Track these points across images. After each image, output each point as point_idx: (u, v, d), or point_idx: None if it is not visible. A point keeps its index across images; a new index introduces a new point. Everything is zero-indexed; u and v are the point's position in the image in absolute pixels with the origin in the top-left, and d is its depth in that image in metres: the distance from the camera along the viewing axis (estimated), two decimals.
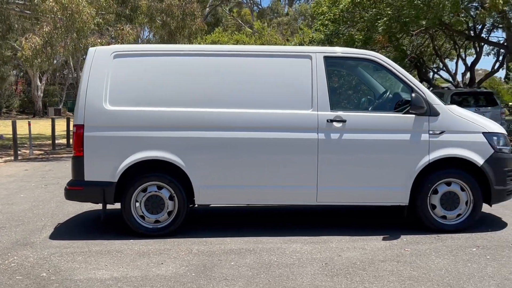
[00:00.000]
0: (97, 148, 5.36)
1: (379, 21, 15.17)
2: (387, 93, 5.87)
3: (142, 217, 5.42)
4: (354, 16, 17.57)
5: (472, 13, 14.40)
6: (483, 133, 5.53)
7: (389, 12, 15.04)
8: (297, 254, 4.78)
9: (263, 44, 21.39)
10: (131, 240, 5.26)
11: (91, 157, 5.35)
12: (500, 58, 27.65)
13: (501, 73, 50.14)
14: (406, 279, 4.10)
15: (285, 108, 5.48)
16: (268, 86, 5.54)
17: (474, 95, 16.17)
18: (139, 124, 5.36)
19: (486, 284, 3.97)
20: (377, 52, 23.18)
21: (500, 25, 17.91)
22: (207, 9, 36.25)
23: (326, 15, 18.31)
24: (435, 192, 5.54)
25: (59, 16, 13.08)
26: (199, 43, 21.70)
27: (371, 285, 3.98)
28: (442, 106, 5.54)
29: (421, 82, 28.68)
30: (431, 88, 25.94)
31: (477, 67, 27.16)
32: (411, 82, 5.56)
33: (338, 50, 5.85)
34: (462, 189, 5.55)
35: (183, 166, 5.35)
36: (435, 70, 32.49)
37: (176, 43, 18.65)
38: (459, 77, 30.56)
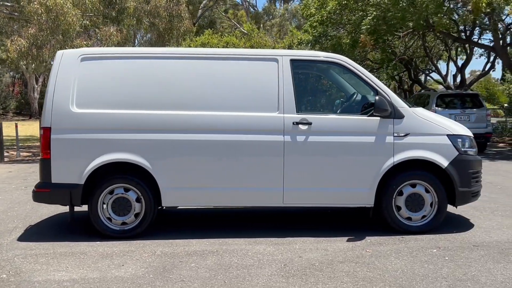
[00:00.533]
0: (64, 150, 5.39)
1: (364, 21, 15.24)
2: (355, 96, 5.92)
3: (109, 219, 5.46)
4: (342, 18, 17.63)
5: (457, 15, 14.46)
6: (447, 135, 5.59)
7: (374, 13, 15.11)
8: (258, 255, 4.82)
9: (252, 46, 21.45)
10: (98, 242, 5.30)
11: (58, 159, 5.39)
12: (491, 59, 27.79)
13: (498, 74, 50.30)
14: (360, 280, 4.15)
15: (251, 110, 5.53)
16: (235, 89, 5.58)
17: (459, 97, 16.25)
18: (106, 127, 5.40)
19: (437, 285, 4.02)
20: (367, 54, 23.33)
21: (488, 27, 17.97)
22: (200, 11, 36.31)
23: (314, 17, 18.37)
24: (400, 193, 5.60)
25: (44, 18, 13.09)
26: (189, 45, 21.74)
27: (324, 286, 4.03)
28: (407, 109, 5.60)
29: (413, 83, 28.91)
30: (421, 90, 26.08)
31: (474, 68, 27.17)
32: (376, 85, 5.62)
33: (304, 53, 5.93)
34: (427, 191, 5.61)
35: (149, 168, 5.39)
36: (427, 72, 32.61)
37: (165, 45, 18.71)
38: (450, 79, 30.74)
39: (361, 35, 15.51)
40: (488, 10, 13.28)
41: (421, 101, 16.89)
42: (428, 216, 5.63)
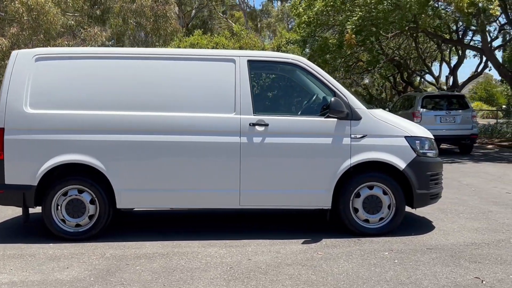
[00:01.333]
0: (17, 151, 5.35)
1: (349, 21, 15.20)
2: (314, 97, 5.88)
3: (63, 220, 5.41)
4: (329, 19, 17.60)
5: (439, 17, 14.41)
6: (405, 137, 5.54)
7: (359, 13, 15.06)
8: (208, 258, 4.78)
9: (241, 46, 21.40)
10: (51, 244, 5.25)
11: (11, 160, 5.34)
12: (484, 60, 27.72)
13: (497, 75, 50.01)
14: (302, 283, 4.10)
15: (208, 111, 5.49)
16: (192, 90, 5.54)
17: (445, 98, 16.20)
18: (59, 127, 5.36)
19: None
20: (359, 55, 23.27)
21: (476, 28, 17.92)
22: (193, 11, 36.26)
23: (302, 17, 18.34)
24: (358, 195, 5.55)
25: (25, 18, 13.06)
26: (178, 46, 21.70)
27: None
28: (364, 110, 5.55)
29: (407, 85, 28.82)
30: (413, 91, 26.01)
31: (473, 69, 26.82)
32: (334, 86, 5.58)
33: (262, 54, 5.89)
34: (385, 193, 5.56)
35: (103, 170, 5.35)
36: (421, 73, 32.52)
37: (153, 45, 18.67)
38: (443, 80, 30.65)
39: (346, 34, 15.45)
40: (470, 10, 13.21)
41: (407, 102, 16.86)
42: (386, 218, 5.58)
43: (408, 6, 13.56)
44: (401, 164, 5.48)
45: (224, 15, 44.69)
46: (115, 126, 5.38)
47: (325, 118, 5.50)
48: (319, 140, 5.48)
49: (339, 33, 16.85)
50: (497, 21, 20.00)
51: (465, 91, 63.91)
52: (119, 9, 16.19)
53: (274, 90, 6.17)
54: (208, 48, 20.92)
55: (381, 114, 5.71)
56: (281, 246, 5.17)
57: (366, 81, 36.61)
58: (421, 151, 5.59)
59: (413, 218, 6.42)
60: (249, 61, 5.59)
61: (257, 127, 5.44)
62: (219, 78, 5.56)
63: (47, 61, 5.52)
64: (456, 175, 10.46)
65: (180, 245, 5.22)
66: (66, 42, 14.34)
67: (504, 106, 41.46)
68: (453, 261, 4.64)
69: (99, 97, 5.43)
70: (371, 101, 28.03)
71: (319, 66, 19.51)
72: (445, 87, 27.86)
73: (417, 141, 5.58)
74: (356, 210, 5.56)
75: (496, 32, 23.18)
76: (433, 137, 5.92)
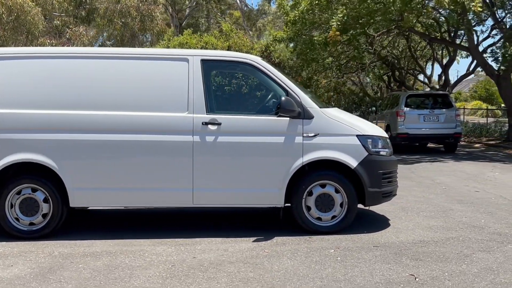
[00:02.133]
0: None
1: (333, 19, 15.23)
2: (268, 96, 5.91)
3: (17, 219, 5.45)
4: (314, 17, 17.62)
5: (417, 16, 14.43)
6: (357, 135, 5.58)
7: (344, 10, 15.07)
8: (153, 256, 4.82)
9: (230, 46, 21.44)
10: (3, 242, 5.29)
11: None
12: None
13: None
14: (237, 280, 4.14)
15: (161, 110, 5.53)
16: (145, 89, 5.58)
17: (429, 97, 16.23)
18: (13, 127, 5.40)
19: (310, 285, 4.01)
20: (348, 52, 23.28)
21: (461, 27, 17.90)
22: (187, 10, 36.28)
23: (289, 16, 18.37)
24: (310, 194, 5.59)
25: (5, 19, 13.11)
26: (167, 45, 21.74)
27: (198, 286, 4.02)
28: (316, 109, 5.58)
29: (401, 85, 28.81)
30: (403, 90, 26.02)
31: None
32: (287, 86, 5.61)
33: (216, 53, 5.94)
34: (337, 191, 5.60)
35: (56, 169, 5.39)
36: (415, 73, 32.49)
37: (140, 45, 18.71)
38: (436, 79, 30.62)
39: (330, 32, 15.47)
40: (452, 6, 13.22)
41: (392, 101, 16.88)
42: (338, 216, 5.62)
43: (391, 3, 13.56)
44: (353, 163, 5.52)
45: (223, 15, 44.73)
46: (68, 125, 5.43)
47: (277, 117, 5.54)
48: (272, 139, 5.52)
49: (325, 31, 16.87)
50: (483, 22, 19.96)
51: (465, 90, 63.91)
52: (104, 10, 16.21)
53: (229, 89, 6.19)
54: (197, 47, 20.98)
55: (333, 113, 5.74)
56: (231, 244, 5.21)
57: (367, 79, 36.55)
58: (373, 149, 5.62)
59: (371, 216, 6.47)
60: (202, 60, 5.63)
61: (209, 126, 5.48)
62: (173, 77, 5.60)
63: (4, 60, 5.56)
64: (432, 174, 10.49)
65: (131, 243, 5.26)
66: (48, 41, 14.38)
67: (503, 105, 41.36)
68: (395, 258, 4.67)
69: (52, 97, 5.47)
70: (362, 100, 27.96)
71: (306, 64, 19.62)
72: (437, 86, 27.87)
73: (369, 140, 5.61)
74: (308, 208, 5.60)
75: (487, 33, 23.16)
76: (387, 136, 5.96)
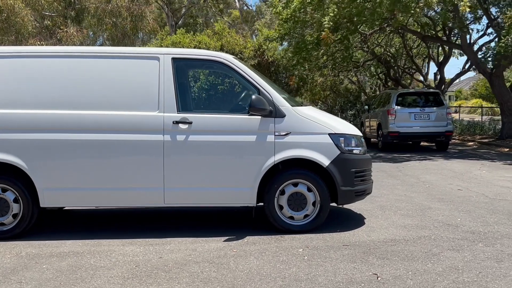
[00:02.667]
0: None
1: (325, 18, 15.19)
2: (241, 95, 5.87)
3: None
4: (306, 16, 17.56)
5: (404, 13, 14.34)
6: (329, 134, 5.54)
7: (335, 10, 15.03)
8: (120, 256, 4.78)
9: (222, 45, 21.40)
10: None
11: None
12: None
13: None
14: (199, 280, 4.11)
15: (132, 109, 5.49)
16: (116, 88, 5.55)
17: (420, 95, 16.19)
18: None
19: (270, 285, 3.97)
20: (338, 52, 23.22)
21: (452, 25, 17.83)
22: (183, 9, 36.24)
23: (280, 15, 18.32)
24: (283, 193, 5.55)
25: None
26: (160, 45, 21.71)
27: (158, 287, 3.99)
28: (288, 108, 5.55)
29: (396, 83, 28.74)
30: (399, 87, 25.95)
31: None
32: (258, 84, 5.58)
33: (187, 52, 5.88)
34: (310, 190, 5.56)
35: (26, 169, 5.36)
36: (409, 71, 32.41)
37: (131, 45, 18.66)
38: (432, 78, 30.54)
39: (323, 32, 15.42)
40: (440, 6, 13.17)
41: (384, 100, 16.84)
42: (311, 215, 5.58)
43: (378, 2, 13.52)
44: (325, 161, 5.48)
45: (222, 14, 44.68)
46: (37, 125, 5.39)
47: (249, 116, 5.50)
48: (243, 138, 5.48)
49: (316, 30, 16.81)
50: (479, 20, 19.86)
51: (465, 88, 63.38)
52: (94, 10, 16.18)
53: (201, 88, 6.16)
54: (190, 47, 20.95)
55: (306, 111, 5.70)
56: (201, 244, 5.18)
57: (366, 78, 36.43)
58: (346, 148, 5.58)
59: (348, 215, 6.43)
60: (173, 59, 5.60)
61: (180, 125, 5.45)
62: (144, 76, 5.57)
63: None
64: (418, 172, 10.45)
65: (100, 243, 5.23)
66: (38, 43, 14.35)
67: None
68: (363, 257, 4.63)
69: (19, 96, 5.44)
70: (357, 98, 27.91)
71: (298, 63, 19.56)
72: (433, 85, 27.80)
73: (341, 138, 5.57)
74: (281, 207, 5.56)
75: (482, 32, 23.06)
76: (361, 135, 5.92)
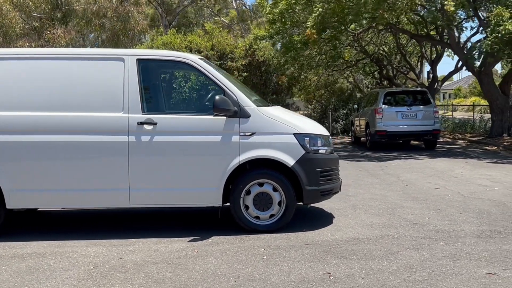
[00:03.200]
0: None
1: (310, 18, 15.22)
2: (208, 95, 5.89)
3: None
4: (294, 16, 17.60)
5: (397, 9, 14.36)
6: (294, 134, 5.55)
7: (320, 9, 15.04)
8: (80, 257, 4.80)
9: (213, 45, 21.41)
10: None
11: None
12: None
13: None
14: (152, 281, 4.12)
15: (97, 111, 5.51)
16: (81, 89, 5.56)
17: (407, 94, 16.20)
18: None
19: (223, 285, 3.98)
20: (328, 51, 23.24)
21: (441, 23, 17.81)
22: (178, 9, 36.24)
23: (268, 15, 18.35)
24: (248, 193, 5.57)
25: None
26: (151, 46, 21.73)
27: (111, 287, 4.01)
28: (253, 108, 5.56)
29: (391, 82, 28.75)
30: (393, 87, 25.93)
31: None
32: (223, 84, 5.59)
33: (152, 53, 5.91)
34: (275, 190, 5.58)
35: None
36: (403, 69, 32.40)
37: (121, 46, 18.68)
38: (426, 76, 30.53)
39: (307, 30, 15.45)
40: (427, 4, 13.18)
41: (372, 99, 16.85)
42: (277, 215, 5.60)
43: (363, 1, 13.54)
44: (290, 161, 5.49)
45: (219, 13, 44.66)
46: (1, 127, 5.40)
47: (214, 116, 5.51)
48: (209, 138, 5.49)
49: (304, 30, 16.86)
50: (472, 18, 19.84)
51: (465, 86, 63.18)
52: (82, 11, 16.19)
53: (167, 88, 6.16)
54: (181, 47, 20.95)
55: (271, 112, 5.71)
56: (165, 244, 5.19)
57: (361, 77, 36.41)
58: (311, 148, 5.59)
59: (318, 214, 6.45)
60: (138, 60, 5.61)
61: (145, 126, 5.46)
62: (109, 77, 5.58)
63: None
64: (400, 171, 10.46)
65: (64, 244, 5.25)
66: (27, 44, 14.38)
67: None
68: (321, 257, 4.64)
69: None
70: (350, 97, 27.91)
71: (287, 63, 19.57)
72: (426, 83, 27.80)
73: (306, 138, 5.58)
74: (247, 207, 5.58)
75: (475, 30, 23.03)
76: (327, 134, 5.93)
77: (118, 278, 4.21)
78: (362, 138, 17.74)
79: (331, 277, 4.07)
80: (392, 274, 4.11)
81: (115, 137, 5.44)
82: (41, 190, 5.47)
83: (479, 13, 17.81)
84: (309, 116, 24.76)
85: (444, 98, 67.72)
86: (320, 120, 23.65)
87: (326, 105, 29.13)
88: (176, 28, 23.36)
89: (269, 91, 23.16)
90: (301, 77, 24.91)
